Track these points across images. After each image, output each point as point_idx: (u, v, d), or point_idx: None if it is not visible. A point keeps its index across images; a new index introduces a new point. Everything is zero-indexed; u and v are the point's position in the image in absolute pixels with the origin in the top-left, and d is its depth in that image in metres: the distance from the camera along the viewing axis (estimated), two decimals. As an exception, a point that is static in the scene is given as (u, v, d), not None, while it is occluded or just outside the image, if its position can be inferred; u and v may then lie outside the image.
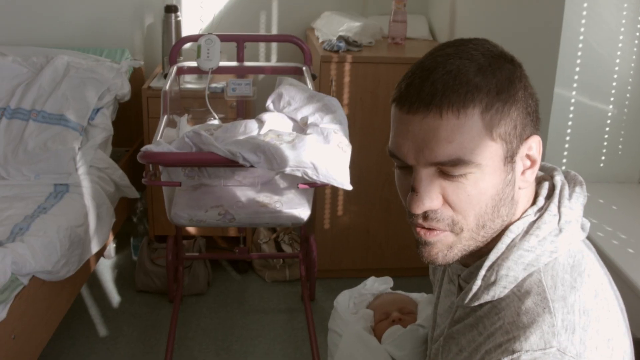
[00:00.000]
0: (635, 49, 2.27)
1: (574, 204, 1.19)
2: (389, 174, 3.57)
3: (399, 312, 1.76)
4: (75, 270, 2.81)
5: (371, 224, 3.67)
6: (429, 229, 1.15)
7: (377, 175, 3.56)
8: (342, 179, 2.36)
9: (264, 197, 2.65)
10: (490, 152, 1.10)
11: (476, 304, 1.19)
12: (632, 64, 2.29)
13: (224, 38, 3.05)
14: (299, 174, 2.34)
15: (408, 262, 3.72)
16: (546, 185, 1.22)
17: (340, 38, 3.45)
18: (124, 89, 3.39)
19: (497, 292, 1.15)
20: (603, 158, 2.41)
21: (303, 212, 2.62)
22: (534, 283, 1.13)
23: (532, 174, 1.18)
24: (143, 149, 2.34)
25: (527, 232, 1.16)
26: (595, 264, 1.19)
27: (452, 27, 3.57)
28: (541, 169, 1.28)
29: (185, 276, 3.48)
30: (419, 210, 1.13)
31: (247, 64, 3.18)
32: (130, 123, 3.73)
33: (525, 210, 1.19)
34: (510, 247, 1.16)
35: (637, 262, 1.92)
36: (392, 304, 1.80)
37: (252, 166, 2.32)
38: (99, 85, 3.28)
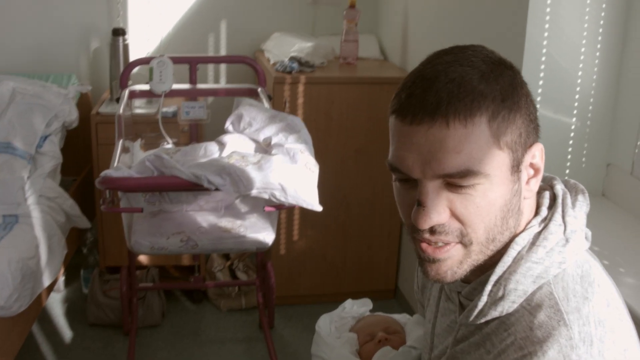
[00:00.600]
0: (596, 61, 2.27)
1: (578, 212, 1.16)
2: (344, 197, 3.52)
3: (385, 332, 1.70)
4: (27, 304, 2.68)
5: (327, 248, 3.61)
6: (437, 247, 1.10)
7: (332, 198, 3.50)
8: (311, 200, 2.31)
9: (227, 222, 2.57)
10: (498, 162, 1.07)
11: (482, 320, 1.14)
12: (594, 76, 2.30)
13: (176, 60, 2.98)
14: (266, 196, 2.27)
15: (365, 285, 3.67)
16: (547, 195, 1.19)
17: (293, 59, 3.40)
18: (72, 116, 3.28)
19: (506, 307, 1.11)
20: (567, 171, 2.41)
21: (267, 235, 2.55)
22: (545, 296, 1.09)
23: (536, 183, 1.14)
24: (102, 174, 2.25)
25: (533, 243, 1.12)
26: (602, 274, 1.16)
27: (404, 46, 3.56)
28: None
29: (139, 307, 3.36)
30: (426, 225, 1.08)
31: (201, 86, 3.12)
32: (78, 150, 3.60)
33: (529, 222, 1.16)
34: (516, 260, 1.12)
35: (612, 274, 1.90)
36: (376, 325, 1.74)
37: (217, 189, 2.24)
38: (46, 111, 3.16)
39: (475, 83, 1.05)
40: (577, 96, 2.33)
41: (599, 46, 2.28)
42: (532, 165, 1.13)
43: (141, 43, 3.75)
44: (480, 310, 1.13)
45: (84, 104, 3.56)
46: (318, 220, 3.50)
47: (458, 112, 1.04)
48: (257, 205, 2.62)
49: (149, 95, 2.98)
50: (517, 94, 1.09)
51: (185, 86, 3.06)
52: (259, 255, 3.29)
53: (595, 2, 2.22)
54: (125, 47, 3.48)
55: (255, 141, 2.55)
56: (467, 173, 1.04)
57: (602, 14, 2.26)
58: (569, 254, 1.12)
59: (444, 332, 1.30)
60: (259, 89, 2.98)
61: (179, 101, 3.10)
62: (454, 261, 1.11)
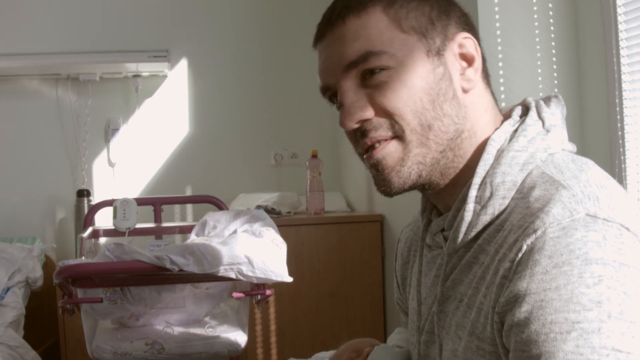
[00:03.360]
0: (556, 90, 2.30)
1: (554, 110, 1.11)
2: (323, 346, 3.35)
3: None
4: None
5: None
6: (374, 148, 1.08)
7: (310, 349, 3.34)
8: (280, 271, 2.21)
9: (195, 329, 2.43)
10: (405, 44, 1.06)
11: (473, 233, 1.04)
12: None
13: (140, 202, 2.97)
14: (232, 274, 2.18)
15: None
16: (518, 107, 1.14)
17: (259, 206, 3.40)
18: (36, 273, 3.20)
19: (497, 205, 1.01)
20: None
21: (239, 336, 2.41)
22: (537, 177, 1.00)
23: (475, 72, 1.10)
24: (60, 263, 2.16)
25: (511, 138, 1.06)
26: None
27: (370, 197, 3.59)
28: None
29: None
30: (351, 122, 1.07)
31: (166, 224, 3.07)
32: (43, 324, 3.46)
33: (497, 128, 1.10)
34: (498, 155, 1.05)
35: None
36: (362, 343, 1.60)
37: (181, 270, 2.15)
38: (8, 265, 3.10)
39: None
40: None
41: (555, 74, 2.30)
42: (462, 55, 1.10)
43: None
44: (470, 221, 1.04)
45: (49, 272, 3.46)
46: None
47: (351, 9, 1.08)
48: (226, 318, 2.51)
49: (113, 233, 2.93)
50: None
51: (150, 225, 3.02)
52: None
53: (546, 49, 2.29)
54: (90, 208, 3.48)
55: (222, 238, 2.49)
56: (368, 55, 1.05)
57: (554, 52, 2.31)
58: (553, 141, 1.05)
59: (431, 289, 1.17)
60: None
61: (144, 241, 3.04)
62: (394, 158, 1.07)
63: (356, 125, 1.07)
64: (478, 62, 1.10)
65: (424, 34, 1.07)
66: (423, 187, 1.10)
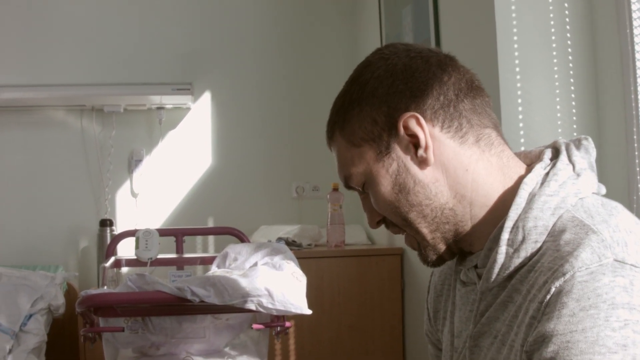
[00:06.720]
0: (574, 126, 2.30)
1: (584, 154, 1.12)
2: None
3: None
4: None
5: None
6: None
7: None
8: (299, 304, 2.23)
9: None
10: (360, 157, 1.14)
11: (506, 274, 1.06)
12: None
13: (162, 232, 3.00)
14: (252, 306, 2.19)
15: None
16: (548, 150, 1.15)
17: (280, 239, 3.43)
18: (58, 301, 3.24)
19: (529, 249, 1.03)
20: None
21: (259, 368, 2.42)
22: (567, 220, 1.02)
23: (425, 150, 1.10)
24: (82, 293, 2.19)
25: (543, 182, 1.07)
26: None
27: (390, 233, 3.59)
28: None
29: None
30: (373, 225, 1.19)
31: (187, 255, 3.10)
32: (65, 351, 3.49)
33: (523, 175, 1.11)
34: (529, 200, 1.06)
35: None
36: None
37: (202, 301, 2.17)
38: (31, 292, 3.15)
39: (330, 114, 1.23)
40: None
41: (573, 110, 2.30)
42: (410, 136, 1.10)
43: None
44: (502, 264, 1.06)
45: (71, 300, 3.50)
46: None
47: (328, 136, 1.23)
48: (247, 346, 2.52)
49: (134, 263, 2.96)
50: (351, 95, 1.16)
51: (172, 255, 3.05)
52: None
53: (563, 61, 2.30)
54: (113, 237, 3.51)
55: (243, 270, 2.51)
56: (347, 179, 1.18)
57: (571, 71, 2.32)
58: (583, 186, 1.07)
59: (465, 323, 1.19)
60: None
61: (165, 271, 3.06)
62: (414, 244, 1.17)
63: (377, 226, 1.19)
64: (422, 139, 1.09)
65: (372, 139, 1.13)
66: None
